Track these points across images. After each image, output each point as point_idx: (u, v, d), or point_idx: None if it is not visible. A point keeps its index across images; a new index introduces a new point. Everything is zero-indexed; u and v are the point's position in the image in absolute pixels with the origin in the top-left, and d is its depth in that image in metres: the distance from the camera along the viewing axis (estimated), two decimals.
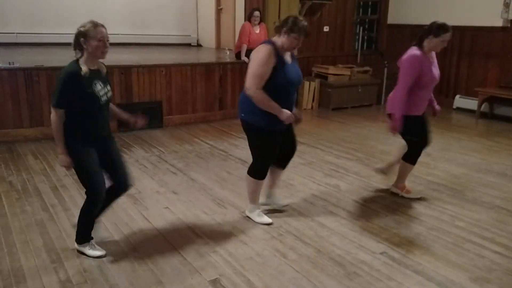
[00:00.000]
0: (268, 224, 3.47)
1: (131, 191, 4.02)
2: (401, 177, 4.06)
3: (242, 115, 3.31)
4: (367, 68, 8.50)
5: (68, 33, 10.06)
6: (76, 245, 2.99)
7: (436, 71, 3.75)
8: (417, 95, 3.70)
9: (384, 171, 4.29)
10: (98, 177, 2.82)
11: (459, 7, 7.87)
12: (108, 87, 2.84)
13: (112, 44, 9.19)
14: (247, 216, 3.58)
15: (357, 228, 3.44)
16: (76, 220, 3.44)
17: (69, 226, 3.36)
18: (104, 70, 2.89)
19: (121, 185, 2.99)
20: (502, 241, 3.27)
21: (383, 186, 4.30)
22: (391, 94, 3.86)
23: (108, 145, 2.93)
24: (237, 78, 7.10)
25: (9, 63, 5.49)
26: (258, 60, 3.09)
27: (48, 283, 2.65)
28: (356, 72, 8.24)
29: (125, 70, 6.09)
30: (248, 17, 7.12)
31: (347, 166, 4.92)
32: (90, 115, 2.75)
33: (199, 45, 10.19)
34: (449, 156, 5.28)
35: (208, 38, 9.89)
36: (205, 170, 4.68)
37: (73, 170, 2.82)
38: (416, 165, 4.71)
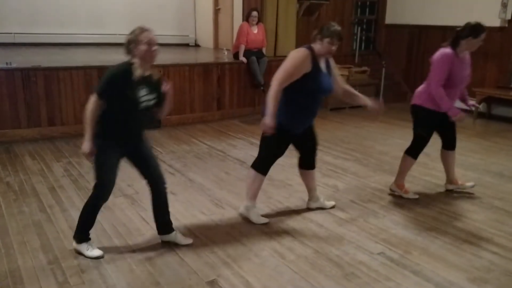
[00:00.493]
0: (265, 224, 3.47)
1: (128, 191, 4.04)
2: (401, 172, 4.08)
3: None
4: (365, 68, 8.51)
5: (66, 33, 10.06)
6: (74, 244, 2.99)
7: (466, 72, 3.82)
8: (445, 93, 3.73)
9: (452, 183, 4.20)
10: (110, 175, 2.88)
11: (457, 7, 7.88)
12: (153, 96, 2.86)
13: (110, 44, 9.19)
14: (242, 215, 3.56)
15: (355, 228, 3.44)
16: (74, 222, 3.45)
17: (66, 227, 3.35)
18: (156, 77, 2.92)
19: (155, 187, 3.04)
20: (500, 241, 3.28)
21: (381, 187, 4.30)
22: (419, 88, 3.95)
23: (139, 147, 2.98)
24: (235, 78, 7.10)
25: (7, 64, 5.48)
26: (294, 60, 3.20)
27: (45, 285, 2.64)
28: (354, 72, 8.25)
29: None
30: (246, 17, 7.12)
31: (345, 166, 4.92)
32: (126, 116, 2.82)
33: (197, 45, 10.18)
34: None
35: (206, 38, 9.88)
36: (203, 170, 4.68)
37: (89, 163, 2.92)
38: (414, 165, 4.70)
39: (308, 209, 3.75)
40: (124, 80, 2.75)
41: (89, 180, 4.32)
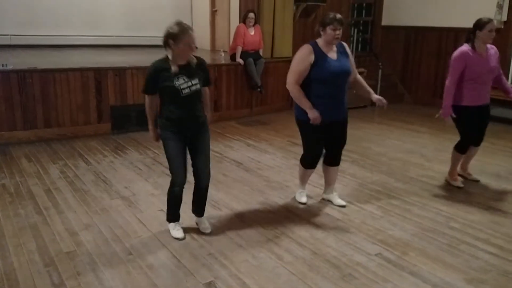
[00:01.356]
0: (302, 204, 3.82)
1: (125, 193, 4.03)
2: (452, 165, 4.38)
3: (295, 110, 3.65)
4: (361, 69, 8.47)
5: (62, 35, 10.04)
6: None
7: (488, 64, 4.03)
8: (467, 87, 4.03)
9: (462, 169, 4.51)
10: (176, 161, 3.10)
11: (453, 9, 7.90)
12: (194, 81, 3.01)
13: (107, 46, 9.17)
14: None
15: (353, 229, 3.44)
16: (70, 224, 3.45)
17: (63, 229, 3.34)
18: (194, 61, 3.04)
19: (196, 180, 3.22)
20: (496, 242, 3.28)
21: (378, 188, 4.31)
22: None
23: (197, 137, 3.16)
24: (232, 80, 7.10)
25: (3, 65, 5.46)
26: (297, 59, 3.45)
27: (41, 287, 2.63)
28: None
29: (120, 72, 6.07)
30: (243, 19, 7.12)
31: (342, 167, 4.87)
32: (174, 104, 3.02)
33: None
34: (444, 157, 5.28)
35: (203, 39, 9.87)
36: None
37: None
38: (410, 166, 4.71)
39: (306, 211, 3.75)
40: (158, 74, 2.95)
41: (85, 182, 4.31)
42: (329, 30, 3.38)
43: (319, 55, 3.41)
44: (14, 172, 4.53)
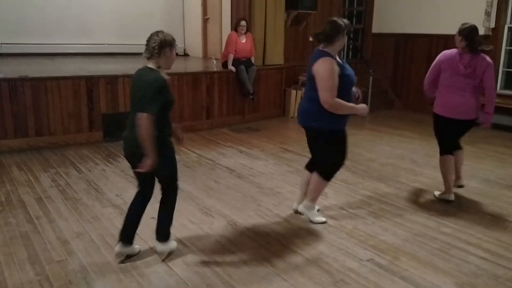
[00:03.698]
0: (323, 223, 3.61)
1: (117, 201, 4.02)
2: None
3: (313, 124, 3.40)
4: None
5: (54, 43, 9.98)
6: (161, 245, 3.07)
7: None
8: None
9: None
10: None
11: (442, 16, 8.00)
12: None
13: (98, 54, 9.15)
14: (300, 213, 3.73)
15: (344, 235, 3.45)
16: (62, 232, 3.42)
17: (54, 237, 3.32)
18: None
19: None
20: (487, 246, 3.31)
21: (370, 193, 4.33)
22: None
23: None
24: (224, 87, 7.12)
25: None
26: (327, 74, 3.23)
27: None
28: None
29: (111, 80, 6.07)
30: (235, 27, 7.16)
31: None
32: (167, 118, 2.89)
33: (186, 55, 10.20)
34: (434, 163, 5.30)
35: (195, 47, 9.91)
36: (192, 179, 4.67)
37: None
38: (401, 172, 4.72)
39: (298, 217, 3.76)
40: (167, 88, 2.76)
41: (77, 190, 4.29)
42: (342, 37, 3.28)
43: (339, 65, 3.29)
44: (5, 180, 4.50)
